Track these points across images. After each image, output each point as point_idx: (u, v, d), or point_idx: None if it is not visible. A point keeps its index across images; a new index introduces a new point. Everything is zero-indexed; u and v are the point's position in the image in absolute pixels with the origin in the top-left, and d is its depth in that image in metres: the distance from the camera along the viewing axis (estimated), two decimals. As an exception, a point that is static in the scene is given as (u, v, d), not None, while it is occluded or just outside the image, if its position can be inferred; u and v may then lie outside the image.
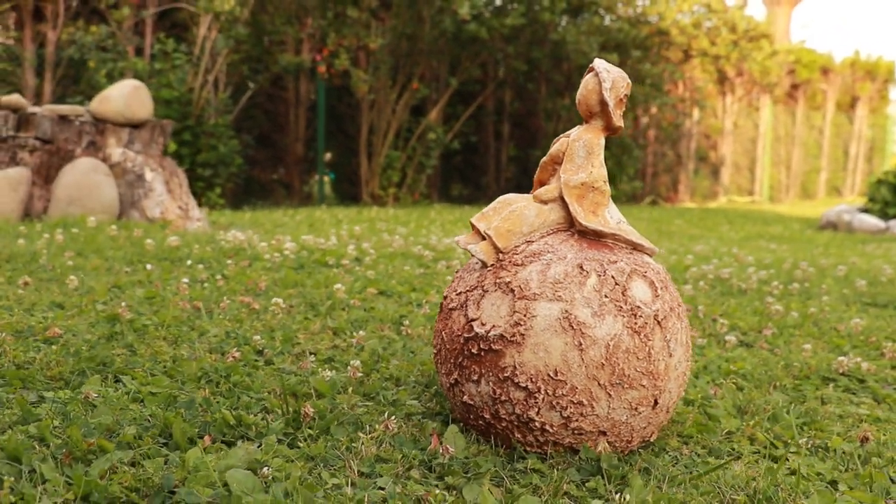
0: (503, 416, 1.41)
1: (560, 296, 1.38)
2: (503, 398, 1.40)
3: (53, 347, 1.87)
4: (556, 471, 1.34)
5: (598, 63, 1.48)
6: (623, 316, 1.38)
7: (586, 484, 1.30)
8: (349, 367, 1.76)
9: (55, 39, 10.35)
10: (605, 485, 1.29)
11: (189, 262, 3.18)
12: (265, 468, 1.26)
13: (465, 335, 1.43)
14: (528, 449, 1.42)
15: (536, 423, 1.39)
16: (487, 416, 1.43)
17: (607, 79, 1.46)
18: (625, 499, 1.22)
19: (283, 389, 1.59)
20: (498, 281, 1.43)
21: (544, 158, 1.52)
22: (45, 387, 1.62)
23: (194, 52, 9.19)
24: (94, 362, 1.75)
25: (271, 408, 1.54)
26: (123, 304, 2.29)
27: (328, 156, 11.58)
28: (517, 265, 1.43)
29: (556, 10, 10.48)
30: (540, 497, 1.24)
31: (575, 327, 1.36)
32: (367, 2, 9.67)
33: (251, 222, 5.94)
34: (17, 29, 10.76)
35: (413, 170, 10.78)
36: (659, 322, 1.40)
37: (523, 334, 1.38)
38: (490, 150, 13.01)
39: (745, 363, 2.09)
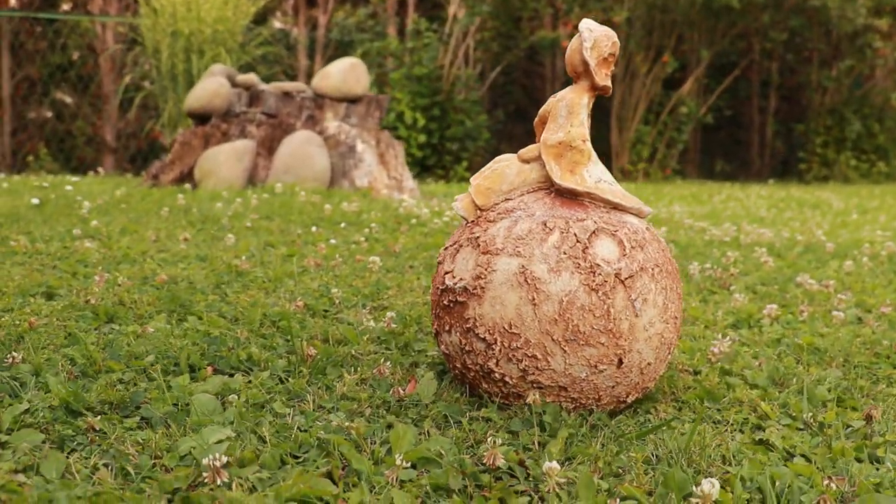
0: (470, 367, 1.47)
1: (519, 251, 1.42)
2: (468, 349, 1.46)
3: (159, 291, 2.12)
4: (502, 420, 1.38)
5: (583, 23, 1.49)
6: (581, 273, 1.39)
7: (519, 433, 1.34)
8: (385, 318, 1.88)
9: (325, 23, 11.10)
10: (538, 435, 1.32)
11: (360, 226, 3.40)
12: (232, 395, 1.40)
13: (440, 287, 1.51)
14: (494, 399, 1.47)
15: (496, 375, 1.44)
16: (459, 366, 1.50)
17: (588, 38, 1.47)
18: (544, 449, 1.25)
19: (314, 335, 1.74)
20: (470, 236, 1.49)
21: (536, 119, 1.55)
22: (121, 321, 1.86)
23: (445, 30, 9.54)
24: (175, 303, 1.98)
25: (294, 350, 1.69)
26: (244, 257, 2.53)
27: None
28: (490, 221, 1.48)
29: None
30: (462, 443, 1.29)
31: (530, 282, 1.39)
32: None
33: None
34: (293, 15, 11.64)
35: (664, 144, 10.58)
36: (622, 281, 1.40)
37: (483, 287, 1.43)
38: (754, 125, 12.46)
39: (828, 339, 1.98)
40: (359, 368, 1.60)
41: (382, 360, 1.64)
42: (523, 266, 1.40)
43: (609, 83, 1.50)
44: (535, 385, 1.42)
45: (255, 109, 5.22)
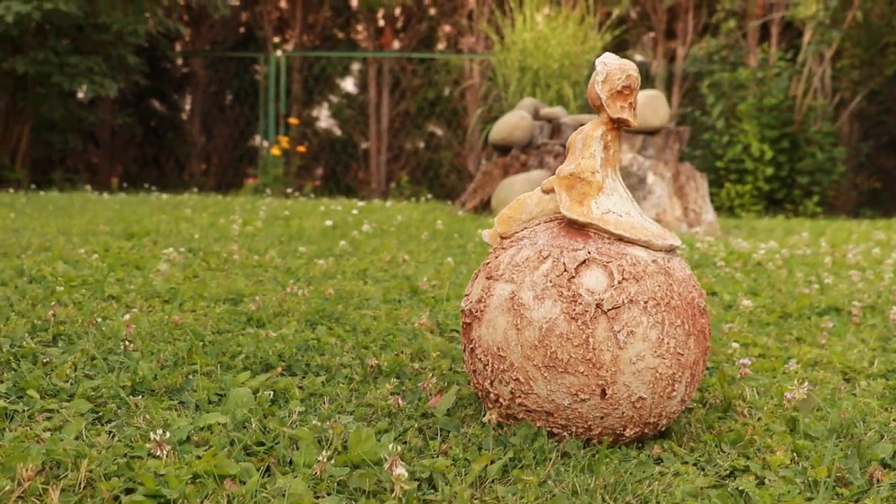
0: (476, 386, 1.55)
1: (513, 278, 1.48)
2: (473, 368, 1.54)
3: (318, 303, 2.39)
4: (482, 437, 1.45)
5: (602, 57, 1.52)
6: (563, 301, 1.42)
7: (481, 450, 1.40)
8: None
9: (683, 55, 11.05)
10: (493, 456, 1.38)
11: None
12: (268, 391, 1.61)
13: (461, 310, 1.60)
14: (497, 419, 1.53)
15: (492, 395, 1.51)
16: (473, 383, 1.58)
17: (602, 72, 1.49)
18: (484, 470, 1.32)
19: (407, 350, 1.89)
20: (485, 263, 1.57)
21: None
22: (262, 325, 2.15)
23: (798, 59, 9.11)
24: (321, 314, 2.23)
25: (360, 355, 1.86)
26: (424, 278, 2.72)
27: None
28: (503, 249, 1.56)
29: None
30: (435, 454, 1.39)
31: (516, 308, 1.45)
32: None
33: (785, 230, 5.85)
34: (652, 47, 11.71)
35: None
36: (605, 311, 1.41)
37: (482, 311, 1.51)
38: None
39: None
40: (405, 381, 1.73)
41: (431, 375, 1.75)
42: (513, 292, 1.46)
43: (627, 116, 1.51)
44: (523, 408, 1.47)
45: (555, 141, 5.41)
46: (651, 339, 1.42)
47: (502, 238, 1.58)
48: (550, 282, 1.43)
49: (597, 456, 1.36)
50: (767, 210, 8.99)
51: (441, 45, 11.93)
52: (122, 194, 6.99)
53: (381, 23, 11.62)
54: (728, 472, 1.37)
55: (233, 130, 11.60)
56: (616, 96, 1.49)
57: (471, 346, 1.53)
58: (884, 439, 1.51)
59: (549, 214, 1.55)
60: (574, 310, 1.41)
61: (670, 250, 1.52)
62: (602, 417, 1.44)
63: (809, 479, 1.32)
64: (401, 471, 1.15)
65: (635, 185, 5.11)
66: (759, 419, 1.59)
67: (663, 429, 1.51)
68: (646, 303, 1.43)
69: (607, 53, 1.52)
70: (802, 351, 2.09)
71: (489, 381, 1.50)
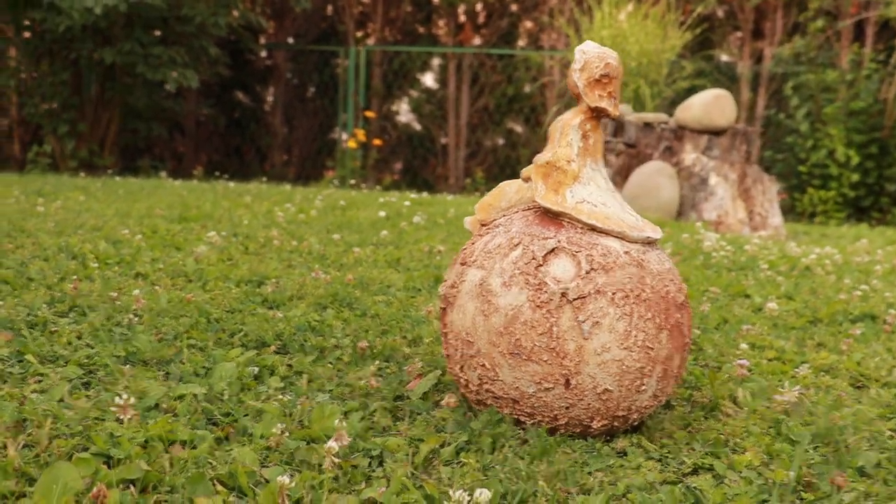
0: (450, 370, 1.56)
1: (484, 264, 1.49)
2: (447, 353, 1.56)
3: (335, 288, 2.43)
4: (445, 420, 1.47)
5: (581, 45, 1.51)
6: (529, 289, 1.43)
7: (440, 432, 1.42)
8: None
9: (771, 55, 10.81)
10: (450, 439, 1.39)
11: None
12: (253, 367, 1.65)
13: (438, 295, 1.62)
14: (469, 404, 1.55)
15: (462, 380, 1.52)
16: (448, 368, 1.60)
17: (580, 59, 1.49)
18: (435, 452, 1.34)
19: (409, 335, 1.92)
20: (462, 249, 1.58)
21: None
22: (275, 307, 2.19)
23: (891, 60, 8.82)
24: (334, 298, 2.27)
25: (363, 337, 1.89)
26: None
27: None
28: (480, 236, 1.57)
29: None
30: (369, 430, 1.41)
31: (484, 294, 1.46)
32: None
33: (854, 237, 5.69)
34: (738, 47, 11.48)
35: None
36: (570, 301, 1.41)
37: (454, 296, 1.52)
38: None
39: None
40: (392, 365, 1.75)
41: (418, 360, 1.77)
42: (483, 278, 1.47)
43: (605, 105, 1.50)
44: (490, 394, 1.48)
45: (617, 139, 5.37)
46: (618, 330, 1.41)
47: (482, 225, 1.59)
48: (518, 269, 1.44)
49: (550, 445, 1.36)
50: (851, 218, 8.74)
51: (522, 42, 11.90)
52: (193, 181, 7.17)
53: (462, 18, 11.65)
54: (691, 469, 1.36)
55: (313, 123, 11.78)
56: (594, 85, 1.49)
57: (444, 330, 1.55)
58: (872, 448, 1.47)
59: (528, 202, 1.56)
60: (539, 298, 1.41)
61: (648, 243, 1.51)
62: (567, 408, 1.44)
63: (770, 481, 1.30)
64: (332, 444, 1.18)
65: (697, 185, 5.04)
66: (745, 419, 1.57)
67: (635, 423, 1.50)
68: (614, 294, 1.42)
69: (588, 42, 1.52)
70: (819, 356, 2.05)
71: (459, 367, 1.51)
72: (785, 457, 1.38)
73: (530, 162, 1.54)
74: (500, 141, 11.69)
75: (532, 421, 1.46)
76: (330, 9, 12.16)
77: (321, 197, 5.11)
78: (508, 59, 11.24)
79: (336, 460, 1.18)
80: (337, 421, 1.37)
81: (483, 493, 1.08)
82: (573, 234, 1.47)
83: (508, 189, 1.58)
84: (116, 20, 8.43)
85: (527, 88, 11.40)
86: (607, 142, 5.38)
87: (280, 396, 1.52)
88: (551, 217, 1.50)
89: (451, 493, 1.08)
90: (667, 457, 1.40)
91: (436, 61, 11.89)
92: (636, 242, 1.49)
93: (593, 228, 1.48)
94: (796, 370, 1.90)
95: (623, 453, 1.41)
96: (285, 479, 1.09)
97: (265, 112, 12.05)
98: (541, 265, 1.43)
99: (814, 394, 1.72)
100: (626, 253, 1.47)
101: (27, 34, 9.24)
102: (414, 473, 1.23)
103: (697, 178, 5.04)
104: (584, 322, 1.40)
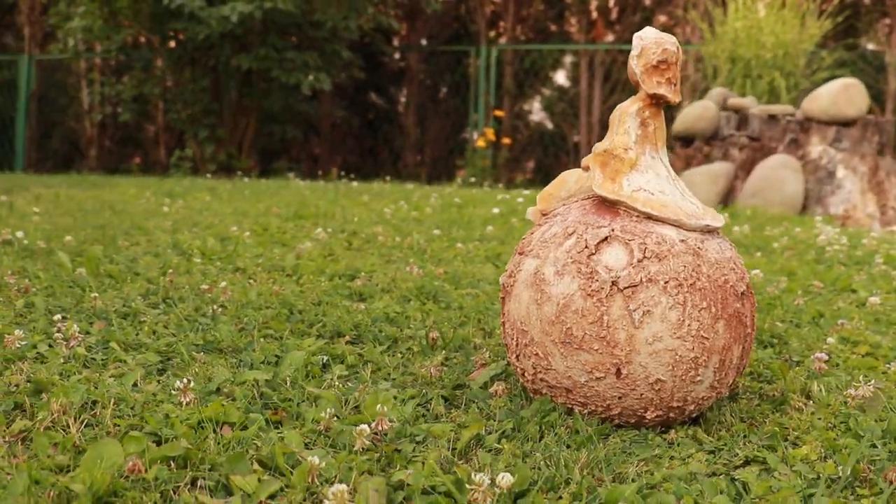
0: (509, 358, 1.57)
1: (539, 253, 1.49)
2: (506, 342, 1.56)
3: (424, 281, 2.46)
4: (497, 409, 1.48)
5: (640, 32, 1.49)
6: (581, 277, 1.42)
7: (488, 421, 1.42)
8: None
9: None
10: (496, 426, 1.40)
11: (764, 251, 3.34)
12: (320, 357, 1.70)
13: (500, 284, 1.62)
14: (527, 393, 1.55)
15: (519, 369, 1.52)
16: (508, 357, 1.60)
17: (637, 46, 1.47)
18: (477, 437, 1.35)
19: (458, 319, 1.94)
20: (522, 239, 1.58)
21: (611, 128, 1.58)
22: (362, 300, 2.24)
23: None
24: (419, 291, 2.30)
25: (440, 328, 1.91)
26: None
27: None
28: (538, 226, 1.56)
29: None
30: (421, 418, 1.43)
31: (538, 283, 1.46)
32: None
33: None
34: (885, 36, 10.96)
35: None
36: (621, 289, 1.39)
37: (512, 285, 1.53)
38: None
39: None
40: (459, 355, 1.76)
41: (486, 350, 1.78)
42: (538, 267, 1.47)
43: (664, 91, 1.47)
44: (545, 383, 1.48)
45: (741, 133, 5.22)
46: (670, 319, 1.39)
47: (542, 215, 1.59)
48: (571, 258, 1.43)
49: (595, 434, 1.35)
50: None
51: (654, 37, 11.68)
52: (319, 182, 7.37)
53: (594, 15, 11.55)
54: (742, 462, 1.32)
55: (446, 123, 11.90)
56: (651, 71, 1.46)
57: (503, 319, 1.55)
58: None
59: (588, 191, 1.54)
60: (591, 286, 1.40)
61: (707, 231, 1.48)
62: (620, 397, 1.42)
63: (823, 475, 1.25)
64: (363, 427, 1.20)
65: (823, 178, 4.85)
66: (813, 414, 1.51)
67: (693, 415, 1.47)
68: (666, 283, 1.39)
69: (647, 28, 1.50)
70: (918, 353, 1.95)
71: (515, 356, 1.51)
72: (846, 452, 1.32)
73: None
74: (633, 138, 11.51)
75: (586, 410, 1.45)
76: (462, 9, 12.25)
77: (434, 196, 5.17)
78: (640, 55, 11.05)
79: (367, 443, 1.20)
80: (388, 407, 1.39)
81: (505, 478, 1.08)
82: (628, 222, 1.45)
83: (569, 178, 1.57)
84: (252, 27, 8.74)
85: (659, 84, 11.18)
86: (730, 135, 5.23)
87: (341, 384, 1.55)
88: (608, 206, 1.49)
89: (473, 475, 1.09)
90: (721, 449, 1.36)
91: (568, 59, 11.82)
92: (694, 231, 1.46)
93: (649, 217, 1.45)
94: (888, 366, 1.81)
95: (675, 444, 1.38)
96: (315, 460, 1.12)
97: (398, 113, 12.26)
98: (593, 254, 1.42)
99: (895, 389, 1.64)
100: (683, 241, 1.44)
101: (172, 44, 9.69)
102: (450, 458, 1.24)
103: (824, 172, 4.85)
104: (634, 311, 1.38)
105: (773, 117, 5.17)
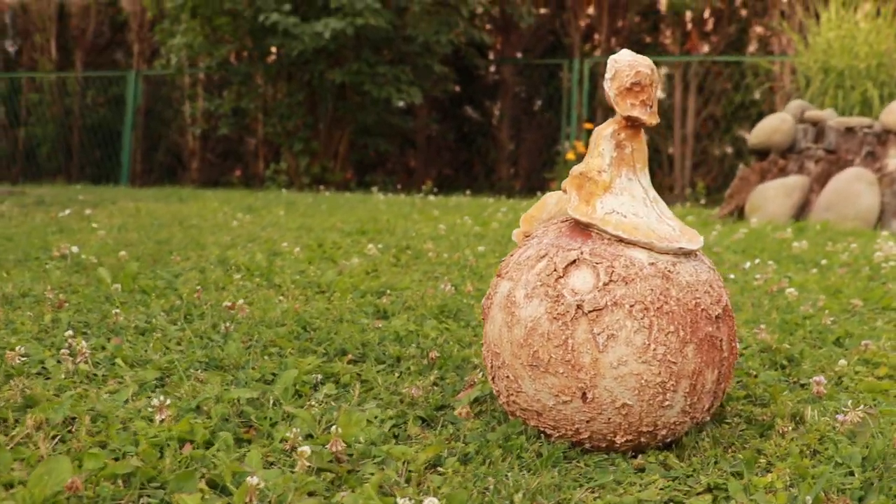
0: (489, 380, 1.57)
1: (513, 276, 1.49)
2: (484, 363, 1.57)
3: (453, 300, 2.47)
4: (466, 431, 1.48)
5: (615, 55, 1.48)
6: (548, 301, 1.42)
7: (450, 444, 1.43)
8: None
9: None
10: (461, 448, 1.41)
11: (810, 264, 3.25)
12: (314, 375, 1.73)
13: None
14: (508, 415, 1.55)
15: (496, 390, 1.53)
16: (488, 378, 1.60)
17: (611, 69, 1.46)
18: (438, 459, 1.36)
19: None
20: (501, 261, 1.59)
21: (593, 150, 1.57)
22: (384, 317, 2.27)
23: None
24: (439, 309, 2.32)
25: (441, 344, 1.93)
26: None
27: None
28: (518, 248, 1.57)
29: None
30: (392, 438, 1.45)
31: (509, 306, 1.47)
32: None
33: None
34: None
35: None
36: (585, 313, 1.39)
37: (489, 307, 1.53)
38: None
39: None
40: (453, 375, 1.77)
41: (479, 370, 1.78)
42: (510, 290, 1.47)
43: (638, 113, 1.46)
44: (517, 406, 1.47)
45: (818, 146, 5.07)
46: (636, 343, 1.37)
47: (525, 237, 1.59)
48: (540, 281, 1.43)
49: (551, 457, 1.34)
50: None
51: (752, 47, 11.42)
52: (401, 195, 7.44)
53: (689, 26, 11.35)
54: (703, 489, 1.30)
55: (539, 136, 11.87)
56: (625, 94, 1.45)
57: (482, 341, 1.56)
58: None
59: (565, 214, 1.54)
60: (556, 309, 1.40)
61: (683, 253, 1.45)
62: (588, 421, 1.41)
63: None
64: (305, 449, 1.23)
65: (903, 192, 4.66)
66: (793, 440, 1.47)
67: (668, 440, 1.44)
68: (632, 306, 1.38)
69: (623, 50, 1.48)
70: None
71: (492, 378, 1.52)
72: (813, 481, 1.28)
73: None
74: (729, 149, 11.27)
75: (557, 434, 1.44)
76: (557, 22, 12.22)
77: (503, 209, 5.17)
78: (736, 66, 10.83)
79: (308, 464, 1.22)
80: (358, 428, 1.41)
81: (431, 502, 1.09)
82: (599, 245, 1.44)
83: (550, 201, 1.57)
84: (346, 43, 8.91)
85: (756, 95, 10.94)
86: (807, 148, 5.08)
87: (322, 404, 1.58)
88: (581, 228, 1.48)
89: (397, 501, 1.10)
90: (688, 475, 1.34)
91: (662, 70, 11.64)
92: (666, 253, 1.44)
93: (620, 240, 1.44)
94: (903, 390, 1.75)
95: (642, 469, 1.36)
96: (255, 480, 1.15)
97: (493, 126, 12.28)
98: (561, 277, 1.41)
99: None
100: (652, 264, 1.42)
101: (269, 59, 9.96)
102: (397, 481, 1.25)
103: (905, 185, 4.66)
104: (599, 334, 1.37)
105: (850, 129, 5.00)
